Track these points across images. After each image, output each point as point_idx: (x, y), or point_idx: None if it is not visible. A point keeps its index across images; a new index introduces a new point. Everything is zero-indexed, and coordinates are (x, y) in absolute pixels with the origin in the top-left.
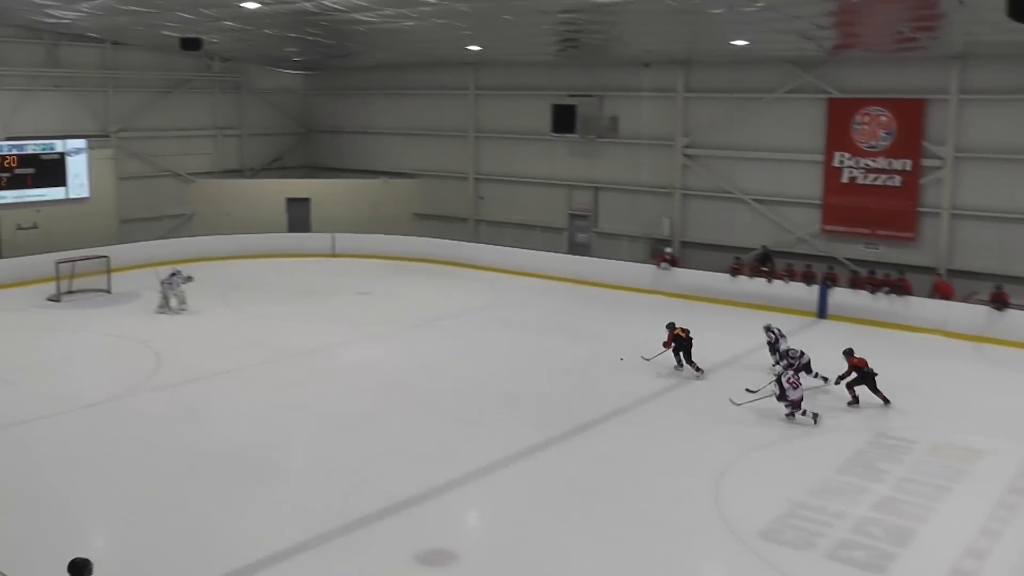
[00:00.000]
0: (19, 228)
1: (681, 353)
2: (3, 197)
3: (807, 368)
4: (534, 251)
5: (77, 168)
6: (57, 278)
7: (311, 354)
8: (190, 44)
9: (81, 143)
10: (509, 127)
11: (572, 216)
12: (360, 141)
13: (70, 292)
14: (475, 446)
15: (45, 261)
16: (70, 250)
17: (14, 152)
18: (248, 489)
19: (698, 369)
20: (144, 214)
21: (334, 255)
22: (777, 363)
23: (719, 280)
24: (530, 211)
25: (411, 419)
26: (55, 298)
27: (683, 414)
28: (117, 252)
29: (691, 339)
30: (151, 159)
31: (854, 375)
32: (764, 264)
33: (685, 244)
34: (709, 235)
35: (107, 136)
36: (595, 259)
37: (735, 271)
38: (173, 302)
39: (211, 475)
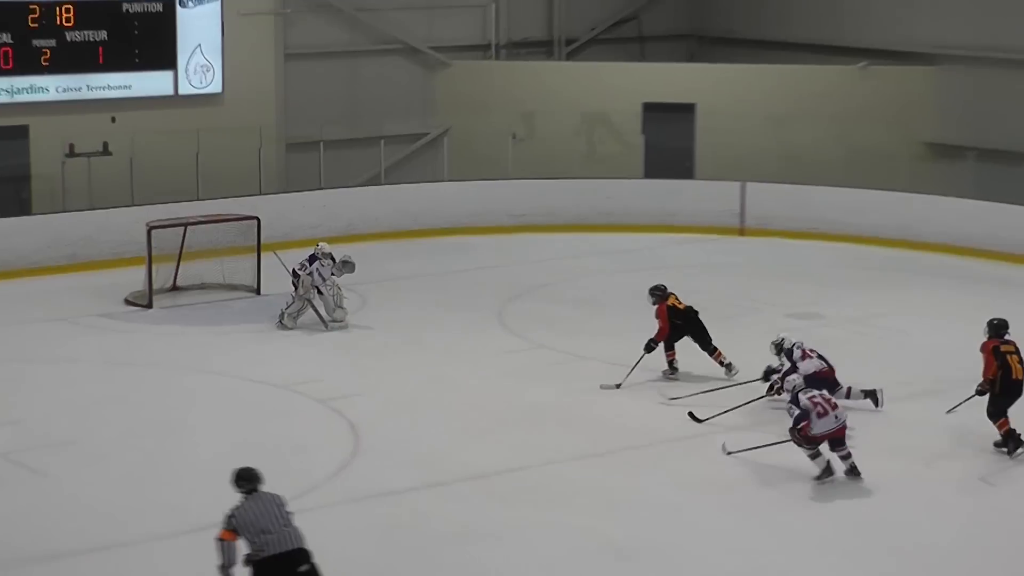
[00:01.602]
0: (71, 155)
1: (691, 340)
2: (41, 89)
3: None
4: None
5: (198, 33)
6: (148, 260)
7: (689, 447)
8: None
9: None
10: None
11: None
12: None
13: (174, 289)
14: None
15: (124, 224)
16: (176, 202)
17: None
18: None
19: (727, 365)
20: (338, 133)
21: (742, 231)
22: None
23: None
24: None
25: None
26: (140, 300)
27: None
28: (278, 209)
29: (698, 319)
30: (357, 17)
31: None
32: None
33: None
34: None
35: None
36: None
37: None
38: (321, 307)
39: None
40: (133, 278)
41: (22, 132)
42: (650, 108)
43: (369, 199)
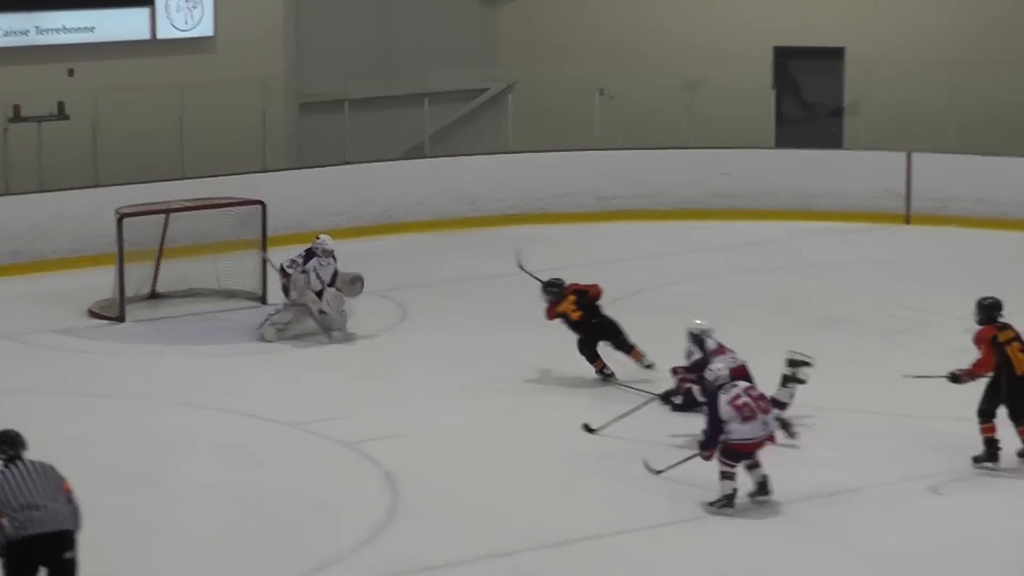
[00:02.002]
0: (16, 119)
1: (604, 343)
2: None
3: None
4: None
5: None
6: (119, 259)
7: (823, 505)
8: None
9: None
10: None
11: None
12: None
13: (152, 296)
14: None
15: (86, 210)
16: (155, 182)
17: None
18: None
19: (648, 366)
20: (368, 89)
21: (908, 217)
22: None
23: None
24: None
25: None
26: (108, 312)
27: None
28: (289, 190)
29: (602, 313)
30: None
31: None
32: None
33: None
34: None
35: None
36: None
37: None
38: (317, 312)
39: None
40: (99, 282)
41: None
42: (784, 53)
43: (410, 176)
